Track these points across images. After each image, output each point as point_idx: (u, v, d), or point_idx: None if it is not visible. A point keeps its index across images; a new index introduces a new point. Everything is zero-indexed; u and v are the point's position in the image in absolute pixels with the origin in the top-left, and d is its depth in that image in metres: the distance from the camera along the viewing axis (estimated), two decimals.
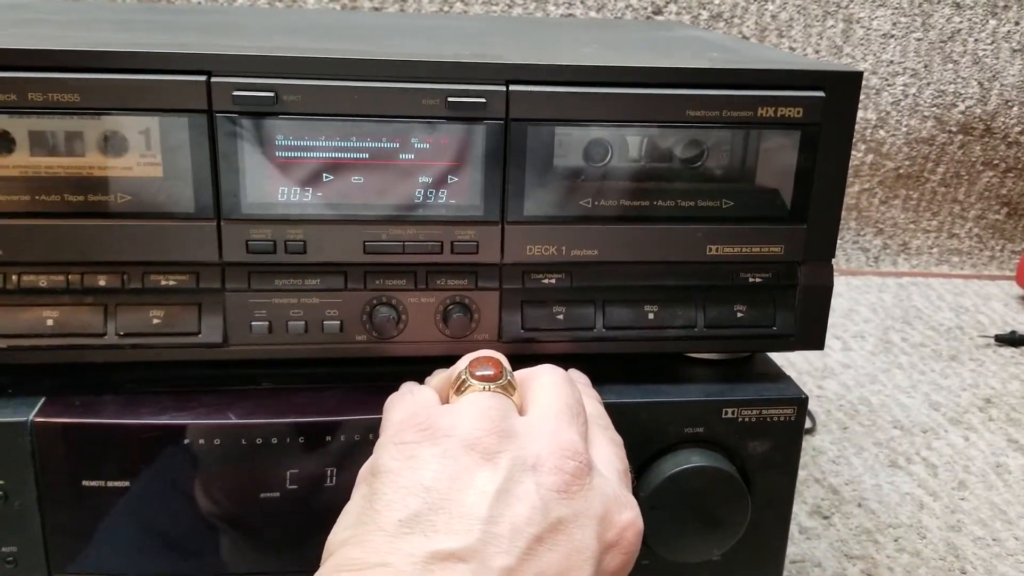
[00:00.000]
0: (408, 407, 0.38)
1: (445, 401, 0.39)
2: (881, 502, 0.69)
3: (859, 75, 0.45)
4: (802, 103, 0.44)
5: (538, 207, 0.45)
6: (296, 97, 0.42)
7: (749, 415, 0.47)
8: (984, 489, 0.71)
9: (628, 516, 0.35)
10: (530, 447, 0.34)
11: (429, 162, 0.44)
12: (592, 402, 0.42)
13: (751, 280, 0.48)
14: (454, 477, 0.33)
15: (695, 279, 0.47)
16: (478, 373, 0.38)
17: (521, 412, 0.38)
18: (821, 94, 0.44)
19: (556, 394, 0.38)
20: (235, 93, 0.41)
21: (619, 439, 0.41)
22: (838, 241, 1.18)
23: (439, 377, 0.42)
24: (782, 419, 0.47)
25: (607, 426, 0.41)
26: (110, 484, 0.43)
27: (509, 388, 0.38)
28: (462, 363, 0.40)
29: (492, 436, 0.34)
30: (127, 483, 0.43)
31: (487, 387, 0.37)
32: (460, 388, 0.38)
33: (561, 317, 0.47)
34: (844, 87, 0.45)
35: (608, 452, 0.38)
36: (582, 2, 1.05)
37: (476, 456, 0.34)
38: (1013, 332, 0.97)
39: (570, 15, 1.05)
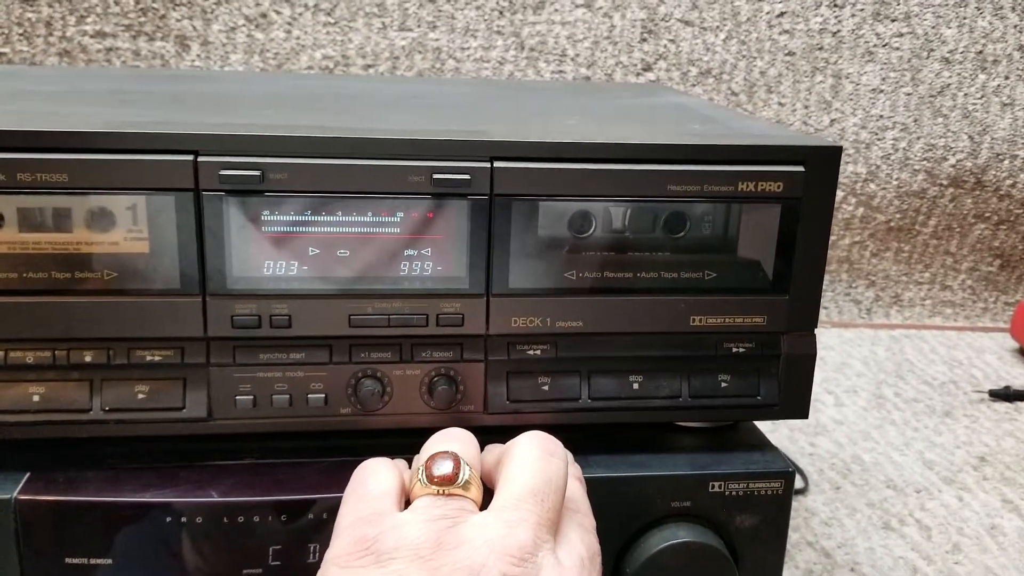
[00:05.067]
0: (361, 510, 0.37)
1: (407, 490, 0.39)
2: (874, 566, 0.68)
3: (839, 150, 0.45)
4: (782, 178, 0.45)
5: (523, 279, 0.46)
6: (282, 175, 0.42)
7: (736, 489, 0.47)
8: (978, 552, 0.70)
9: None
10: (476, 554, 0.34)
11: (414, 236, 0.44)
12: (571, 483, 0.42)
13: (735, 350, 0.48)
14: None
15: (679, 349, 0.48)
16: (435, 474, 0.37)
17: (489, 488, 0.38)
18: (801, 169, 0.45)
19: (526, 475, 0.38)
20: (222, 172, 0.42)
21: (591, 523, 0.40)
22: (830, 293, 1.19)
23: (415, 460, 0.41)
24: (770, 493, 0.47)
25: (578, 510, 0.40)
26: (93, 561, 0.43)
27: (466, 486, 0.38)
28: (424, 454, 0.40)
29: (439, 550, 0.35)
30: (110, 560, 0.43)
31: (441, 491, 0.37)
32: (417, 484, 0.38)
33: (546, 388, 0.47)
34: (824, 161, 0.45)
35: (573, 537, 0.38)
36: (572, 59, 1.06)
37: (422, 573, 0.34)
38: (1007, 387, 0.97)
39: (560, 72, 1.07)
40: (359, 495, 0.38)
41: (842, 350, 1.09)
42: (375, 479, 0.39)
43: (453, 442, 0.40)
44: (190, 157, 0.42)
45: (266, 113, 0.54)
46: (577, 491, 0.42)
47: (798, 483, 0.78)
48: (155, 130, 0.42)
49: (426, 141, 0.43)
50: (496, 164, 0.43)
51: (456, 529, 0.36)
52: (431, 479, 0.37)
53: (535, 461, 0.38)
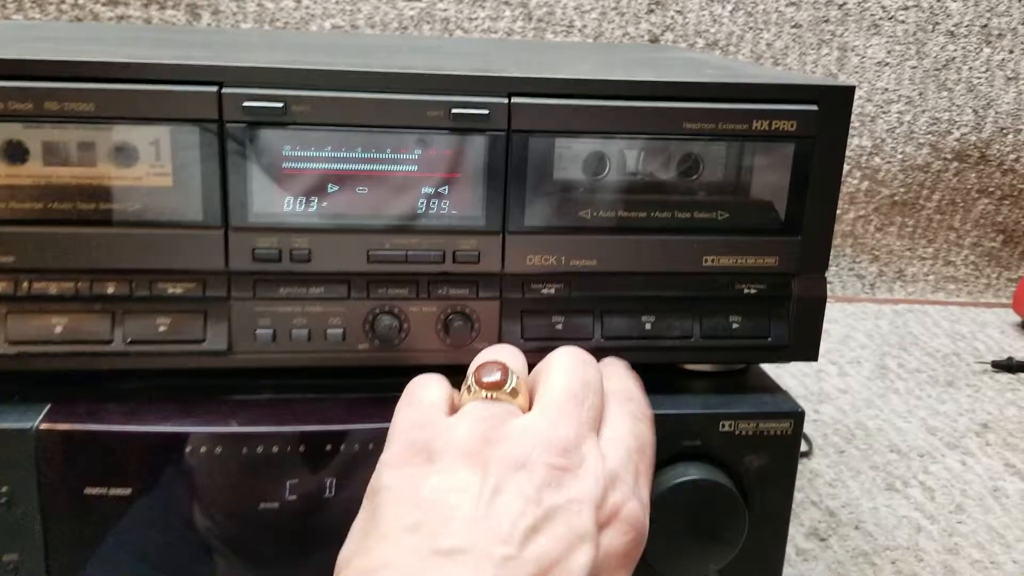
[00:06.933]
0: (414, 416, 0.39)
1: (456, 404, 0.40)
2: (878, 524, 0.69)
3: (851, 89, 0.46)
4: (796, 117, 0.45)
5: (538, 217, 0.46)
6: (304, 108, 0.43)
7: (746, 428, 0.47)
8: (982, 513, 0.71)
9: (620, 496, 0.37)
10: (521, 448, 0.36)
11: (432, 173, 0.45)
12: (624, 380, 0.44)
13: (746, 291, 0.48)
14: (451, 489, 0.35)
15: (691, 290, 0.48)
16: (484, 379, 0.40)
17: (531, 403, 0.40)
18: (815, 108, 0.45)
19: (564, 380, 0.40)
20: (245, 104, 0.42)
21: (645, 413, 0.42)
22: (834, 268, 1.20)
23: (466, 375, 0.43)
24: (779, 433, 0.48)
25: (629, 398, 0.42)
26: (112, 491, 0.44)
27: (513, 393, 0.40)
28: (473, 365, 0.42)
29: (486, 445, 0.36)
30: (128, 491, 0.44)
31: (489, 395, 0.39)
32: (466, 393, 0.40)
33: (560, 327, 0.48)
34: (837, 101, 0.46)
35: (622, 429, 0.40)
36: (580, 31, 1.07)
37: (472, 467, 0.36)
38: (1010, 359, 0.98)
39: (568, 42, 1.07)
40: (412, 404, 0.40)
41: (845, 323, 1.09)
42: (426, 390, 0.41)
43: (502, 353, 0.42)
44: (214, 88, 0.42)
45: (287, 54, 0.54)
46: (633, 385, 0.44)
47: (802, 447, 0.78)
48: (181, 61, 0.42)
49: (446, 76, 0.44)
50: (514, 100, 0.44)
51: (502, 427, 0.37)
52: (480, 384, 0.39)
53: (572, 367, 0.41)
